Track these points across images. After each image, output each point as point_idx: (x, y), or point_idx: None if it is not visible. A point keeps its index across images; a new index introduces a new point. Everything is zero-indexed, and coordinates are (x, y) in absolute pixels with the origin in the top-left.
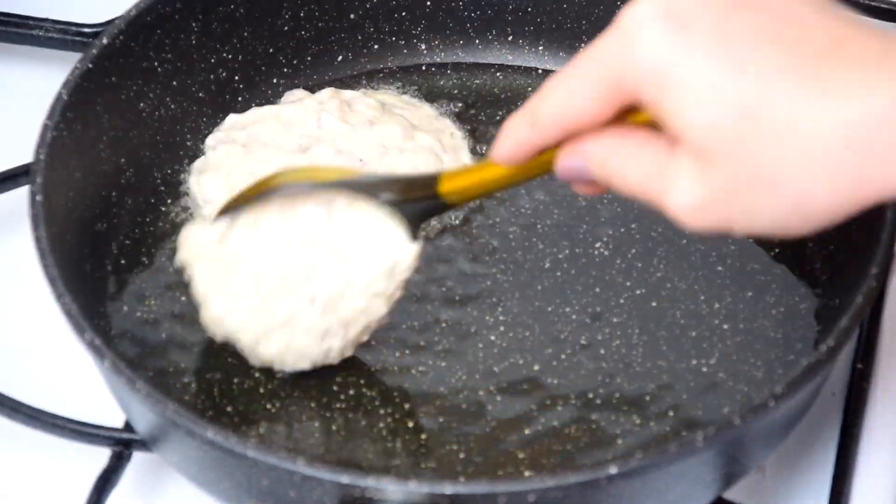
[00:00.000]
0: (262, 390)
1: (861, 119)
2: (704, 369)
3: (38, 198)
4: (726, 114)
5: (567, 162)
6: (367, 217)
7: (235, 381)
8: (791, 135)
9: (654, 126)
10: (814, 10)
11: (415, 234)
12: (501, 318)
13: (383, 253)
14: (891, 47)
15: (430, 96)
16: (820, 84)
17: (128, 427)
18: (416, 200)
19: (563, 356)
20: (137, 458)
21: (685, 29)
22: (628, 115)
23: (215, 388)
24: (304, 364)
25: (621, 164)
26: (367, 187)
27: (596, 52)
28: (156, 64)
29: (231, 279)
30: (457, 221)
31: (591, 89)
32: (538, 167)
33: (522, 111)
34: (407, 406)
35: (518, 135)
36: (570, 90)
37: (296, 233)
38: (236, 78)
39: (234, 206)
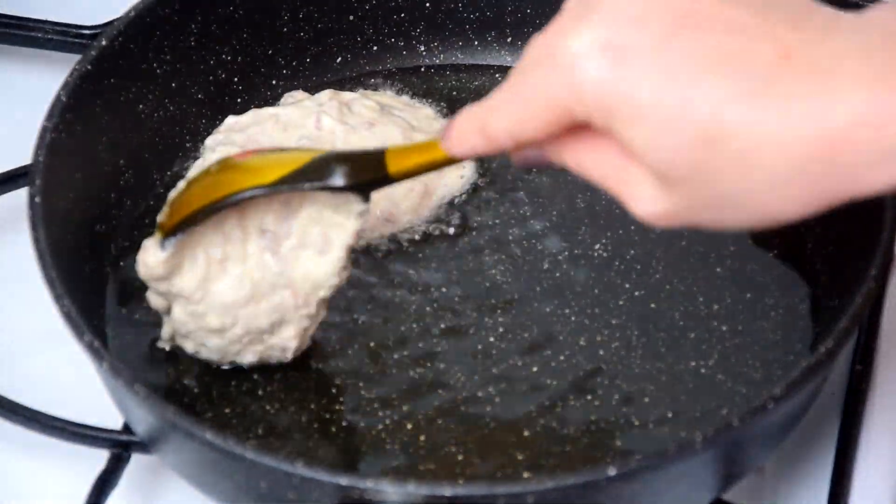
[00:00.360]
0: (260, 392)
1: (822, 133)
2: (703, 370)
3: (37, 199)
4: (682, 144)
5: (521, 158)
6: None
7: (234, 382)
8: (751, 158)
9: None
10: (754, 15)
11: (361, 208)
12: (500, 319)
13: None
14: (840, 51)
15: (429, 98)
16: (773, 104)
17: (126, 429)
18: (364, 183)
19: (561, 357)
20: (136, 460)
21: (626, 60)
22: None
23: (214, 389)
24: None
25: (578, 164)
26: (314, 178)
27: (540, 85)
28: (155, 65)
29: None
30: (455, 225)
31: (539, 118)
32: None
33: (472, 118)
34: (405, 408)
35: (471, 141)
36: (518, 116)
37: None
38: (235, 79)
39: (182, 226)
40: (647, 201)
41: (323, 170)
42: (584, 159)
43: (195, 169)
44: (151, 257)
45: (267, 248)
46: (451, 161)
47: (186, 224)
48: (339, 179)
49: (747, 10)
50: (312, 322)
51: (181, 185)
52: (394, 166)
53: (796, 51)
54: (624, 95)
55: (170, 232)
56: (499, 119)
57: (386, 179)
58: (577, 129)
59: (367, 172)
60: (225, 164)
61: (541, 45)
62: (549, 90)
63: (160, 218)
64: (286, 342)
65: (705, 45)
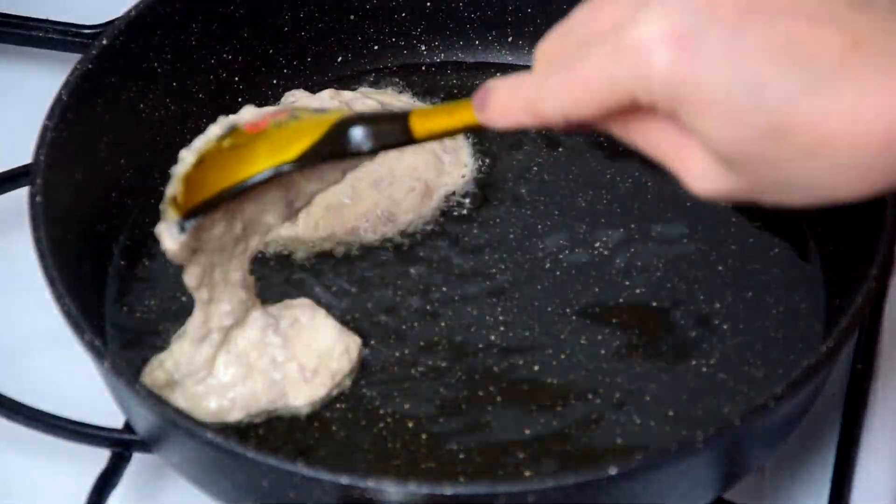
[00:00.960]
0: None
1: (892, 123)
2: (704, 369)
3: (38, 199)
4: (751, 136)
5: (566, 127)
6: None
7: None
8: (820, 149)
9: None
10: (823, 1)
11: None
12: (501, 318)
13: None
14: None
15: (430, 96)
16: (843, 96)
17: (127, 428)
18: (390, 146)
19: (562, 356)
20: (137, 459)
21: (696, 50)
22: None
23: None
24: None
25: (630, 138)
26: (337, 147)
27: (604, 70)
28: (156, 65)
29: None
30: (456, 224)
31: (600, 102)
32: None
33: (520, 95)
34: (407, 406)
35: (517, 117)
36: (575, 98)
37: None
38: (236, 79)
39: (202, 209)
40: (705, 180)
41: (345, 136)
42: (639, 135)
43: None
44: (170, 243)
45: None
46: (481, 127)
47: (206, 207)
48: (364, 144)
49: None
50: (331, 387)
51: (188, 157)
52: (419, 129)
53: (865, 37)
54: (693, 85)
55: (189, 214)
56: (553, 99)
57: (410, 141)
58: (634, 108)
59: (392, 135)
60: (238, 137)
61: (600, 17)
62: (615, 76)
63: (170, 192)
64: (296, 410)
65: (774, 34)
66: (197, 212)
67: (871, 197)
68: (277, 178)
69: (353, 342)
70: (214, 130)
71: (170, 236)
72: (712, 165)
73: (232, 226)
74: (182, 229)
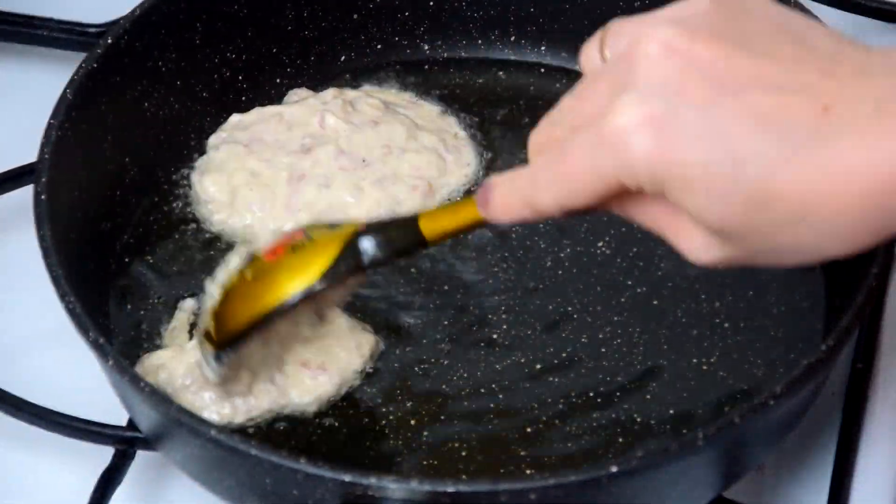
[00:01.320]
0: None
1: (873, 182)
2: (705, 367)
3: (43, 197)
4: (734, 209)
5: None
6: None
7: None
8: (802, 215)
9: None
10: (788, 70)
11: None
12: (503, 316)
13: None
14: (877, 95)
15: (433, 95)
16: (820, 161)
17: (131, 425)
18: (402, 252)
19: (564, 354)
20: (141, 456)
21: (672, 132)
22: None
23: None
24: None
25: (627, 216)
26: (352, 262)
27: (588, 162)
28: (160, 64)
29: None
30: None
31: (591, 191)
32: None
33: (516, 192)
34: (409, 404)
35: (518, 213)
36: (567, 191)
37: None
38: (240, 77)
39: (235, 342)
40: (700, 251)
41: (359, 250)
42: (636, 214)
43: (198, 168)
44: (211, 376)
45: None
46: (487, 223)
47: (240, 338)
48: (379, 254)
49: (780, 65)
50: (340, 383)
51: (214, 292)
52: (429, 231)
53: (834, 103)
54: (673, 165)
55: (221, 346)
56: (547, 194)
57: (423, 245)
58: (626, 192)
59: (404, 241)
60: (259, 268)
61: (582, 107)
62: (599, 167)
63: (202, 327)
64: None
65: (745, 108)
66: (231, 343)
67: (866, 251)
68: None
69: (365, 338)
70: (234, 262)
71: (210, 370)
72: (706, 238)
73: (268, 345)
74: (219, 361)
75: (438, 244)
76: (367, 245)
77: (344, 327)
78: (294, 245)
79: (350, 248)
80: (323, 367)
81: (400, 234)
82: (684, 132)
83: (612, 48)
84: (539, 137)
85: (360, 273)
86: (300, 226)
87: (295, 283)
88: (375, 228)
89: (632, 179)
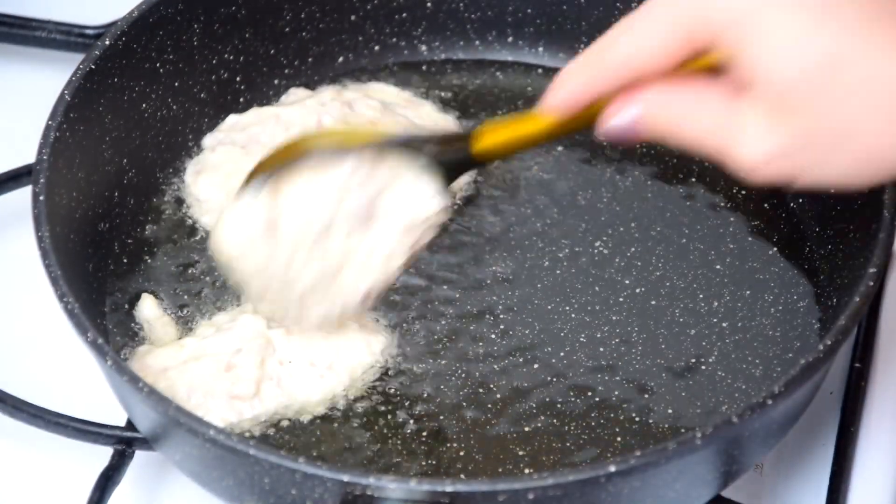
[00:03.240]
0: None
1: None
2: (703, 367)
3: (41, 198)
4: (808, 67)
5: (623, 112)
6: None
7: None
8: (869, 90)
9: (712, 73)
10: None
11: (447, 186)
12: (501, 316)
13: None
14: None
15: (431, 95)
16: (890, 35)
17: (130, 426)
18: (452, 156)
19: (562, 354)
20: (139, 456)
21: None
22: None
23: None
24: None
25: (683, 113)
26: (402, 144)
27: (666, 5)
28: (158, 65)
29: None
30: (456, 223)
31: (664, 36)
32: (581, 121)
33: (584, 58)
34: (407, 404)
35: (578, 80)
36: (642, 35)
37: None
38: (237, 79)
39: (265, 172)
40: (755, 142)
41: (411, 144)
42: (691, 109)
43: (193, 168)
44: (248, 203)
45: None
46: (543, 136)
47: (283, 165)
48: (428, 151)
49: None
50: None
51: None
52: (482, 143)
53: None
54: (760, 12)
55: (264, 172)
56: (614, 47)
57: (471, 155)
58: (686, 78)
59: (453, 145)
60: (308, 134)
61: None
62: (677, 8)
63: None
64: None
65: None
66: (272, 171)
67: None
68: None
69: (375, 338)
70: (209, 158)
71: (249, 199)
72: (764, 120)
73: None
74: (255, 189)
75: (493, 160)
76: (421, 146)
77: (354, 326)
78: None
79: (403, 140)
80: (330, 366)
81: (452, 143)
82: None
83: None
84: None
85: (413, 154)
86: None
87: (342, 139)
88: (428, 136)
89: (708, 25)
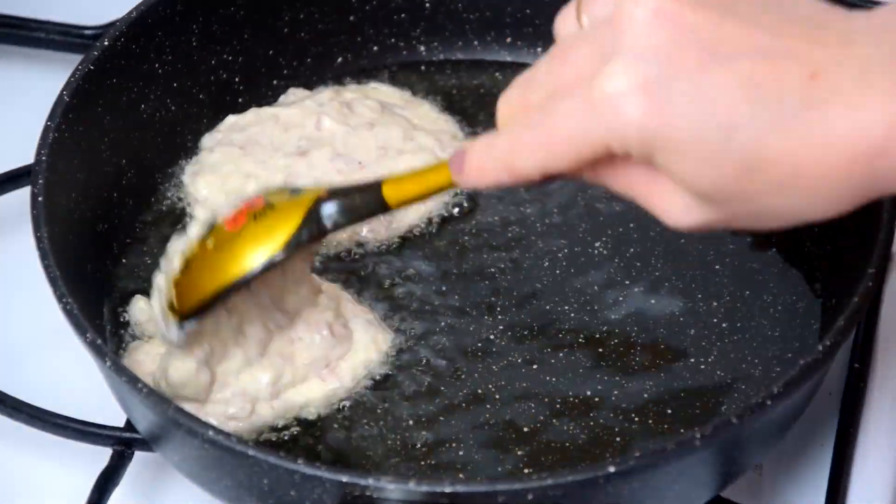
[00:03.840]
0: None
1: (861, 147)
2: (702, 367)
3: (40, 199)
4: (725, 174)
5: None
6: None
7: None
8: (790, 181)
9: None
10: (775, 36)
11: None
12: (500, 316)
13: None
14: (864, 63)
15: (430, 96)
16: (809, 127)
17: (129, 426)
18: (364, 217)
19: (560, 354)
20: (139, 457)
21: (665, 98)
22: None
23: None
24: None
25: (604, 183)
26: (315, 228)
27: (576, 126)
28: (156, 65)
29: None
30: (455, 223)
31: (575, 155)
32: None
33: (494, 155)
34: (406, 404)
35: (494, 176)
36: (551, 155)
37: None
38: (236, 79)
39: (198, 312)
40: (680, 214)
41: (321, 216)
42: (611, 180)
43: (191, 169)
44: (173, 341)
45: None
46: (452, 187)
47: (202, 310)
48: (341, 219)
49: (768, 31)
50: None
51: (175, 261)
52: (392, 197)
53: (821, 69)
54: (665, 132)
55: (185, 316)
56: (528, 158)
57: (385, 210)
58: (608, 157)
59: (366, 206)
60: (219, 235)
61: (562, 71)
62: (588, 129)
63: (166, 298)
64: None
65: (737, 74)
66: (194, 313)
67: (839, 216)
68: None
69: (381, 335)
70: (194, 231)
71: (173, 336)
72: (687, 200)
73: (230, 318)
74: (181, 330)
75: (401, 209)
76: (330, 210)
77: (361, 324)
78: (255, 213)
79: (312, 215)
80: (331, 368)
81: (363, 198)
82: (677, 98)
83: (591, 14)
84: (511, 102)
85: (322, 238)
86: (260, 191)
87: (258, 253)
88: (337, 193)
89: (621, 144)
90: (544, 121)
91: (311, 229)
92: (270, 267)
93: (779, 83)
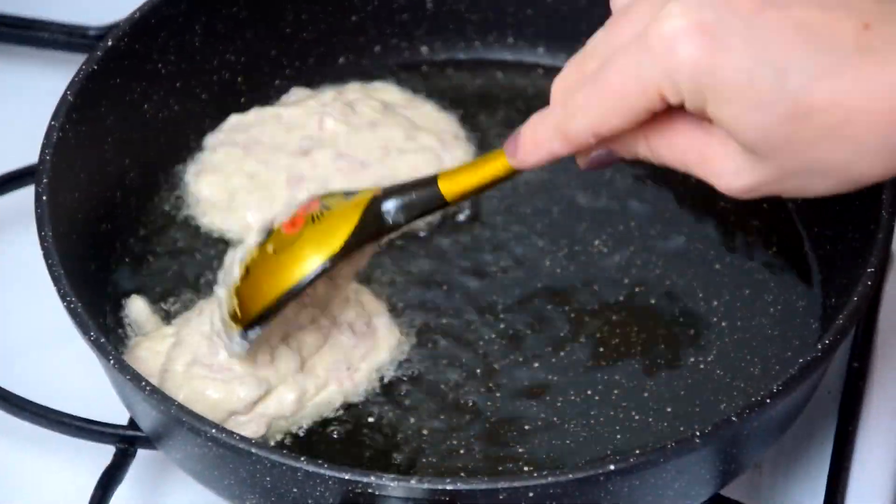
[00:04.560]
0: None
1: None
2: (702, 366)
3: (44, 198)
4: (775, 119)
5: (596, 155)
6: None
7: None
8: (841, 130)
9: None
10: None
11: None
12: (501, 315)
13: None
14: None
15: (432, 96)
16: (859, 75)
17: (132, 425)
18: (420, 212)
19: (562, 353)
20: (142, 455)
21: (719, 40)
22: None
23: None
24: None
25: (656, 152)
26: (374, 227)
27: (631, 72)
28: (160, 65)
29: None
30: (462, 218)
31: (629, 107)
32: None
33: (546, 123)
34: (408, 402)
35: (551, 149)
36: (606, 109)
37: None
38: (239, 79)
39: (263, 318)
40: (732, 175)
41: (380, 214)
42: (663, 146)
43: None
44: (237, 354)
45: None
46: (510, 175)
47: (268, 314)
48: (400, 217)
49: None
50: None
51: (235, 270)
52: (448, 191)
53: (875, 21)
54: (719, 74)
55: (251, 323)
56: (582, 116)
57: (443, 205)
58: (656, 117)
59: (424, 202)
60: (279, 241)
61: (618, 33)
62: (642, 75)
63: (228, 309)
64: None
65: (790, 21)
66: (257, 321)
67: (890, 177)
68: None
69: (403, 334)
70: (253, 238)
71: (236, 347)
72: (739, 158)
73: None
74: (245, 338)
75: (460, 202)
76: (388, 208)
77: (385, 322)
78: (313, 215)
79: (370, 214)
80: (354, 374)
81: (419, 194)
82: (731, 40)
83: None
84: (566, 79)
85: (381, 237)
86: (315, 195)
87: (320, 253)
88: (394, 191)
89: (674, 90)
90: (598, 77)
91: (370, 228)
92: (332, 267)
93: (832, 30)
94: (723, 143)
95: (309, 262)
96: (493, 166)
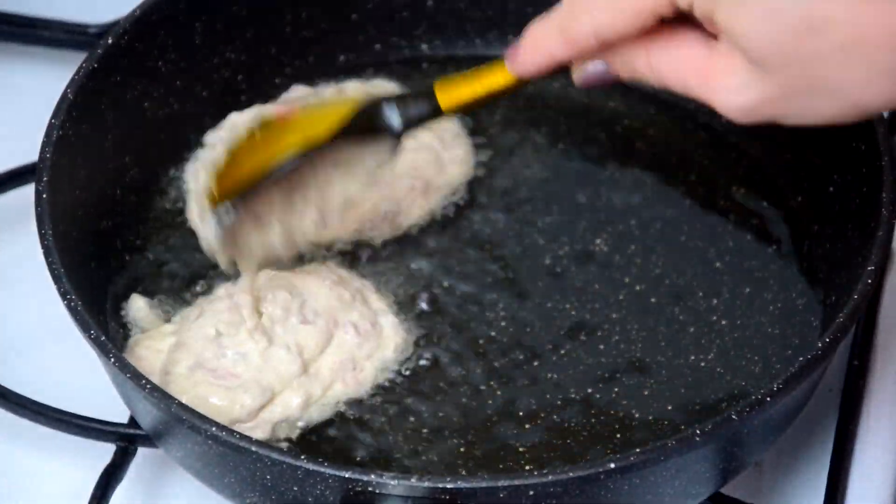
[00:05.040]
0: None
1: None
2: (703, 364)
3: (44, 196)
4: (788, 30)
5: (593, 68)
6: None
7: None
8: (854, 47)
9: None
10: None
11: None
12: (502, 314)
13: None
14: None
15: None
16: None
17: (132, 423)
18: (415, 120)
19: (562, 351)
20: (142, 453)
21: None
22: None
23: None
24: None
25: (656, 69)
26: (365, 126)
27: None
28: (160, 64)
29: None
30: (456, 222)
31: (636, 9)
32: (547, 75)
33: (551, 26)
34: (408, 400)
35: (551, 51)
36: (613, 9)
37: None
38: (239, 77)
39: (240, 190)
40: (735, 91)
41: (374, 113)
42: (664, 61)
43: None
44: (208, 234)
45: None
46: (510, 87)
47: (244, 188)
48: (392, 119)
49: None
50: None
51: (218, 149)
52: (445, 101)
53: None
54: None
55: (226, 196)
56: (586, 18)
57: (437, 114)
58: (660, 28)
59: (420, 109)
60: (268, 128)
61: None
62: None
63: (203, 185)
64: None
65: None
66: (234, 193)
67: (894, 107)
68: (311, 173)
69: (408, 332)
70: (242, 119)
71: (210, 230)
72: (744, 73)
73: (267, 234)
74: (220, 218)
75: (456, 113)
76: (384, 111)
77: (390, 321)
78: (307, 107)
79: (364, 113)
80: (359, 374)
81: (416, 102)
82: None
83: None
84: None
85: (371, 136)
86: (312, 94)
87: (306, 137)
88: (392, 98)
89: None
90: None
91: (362, 124)
92: (311, 151)
93: None
94: (727, 58)
95: (292, 146)
96: (493, 76)
